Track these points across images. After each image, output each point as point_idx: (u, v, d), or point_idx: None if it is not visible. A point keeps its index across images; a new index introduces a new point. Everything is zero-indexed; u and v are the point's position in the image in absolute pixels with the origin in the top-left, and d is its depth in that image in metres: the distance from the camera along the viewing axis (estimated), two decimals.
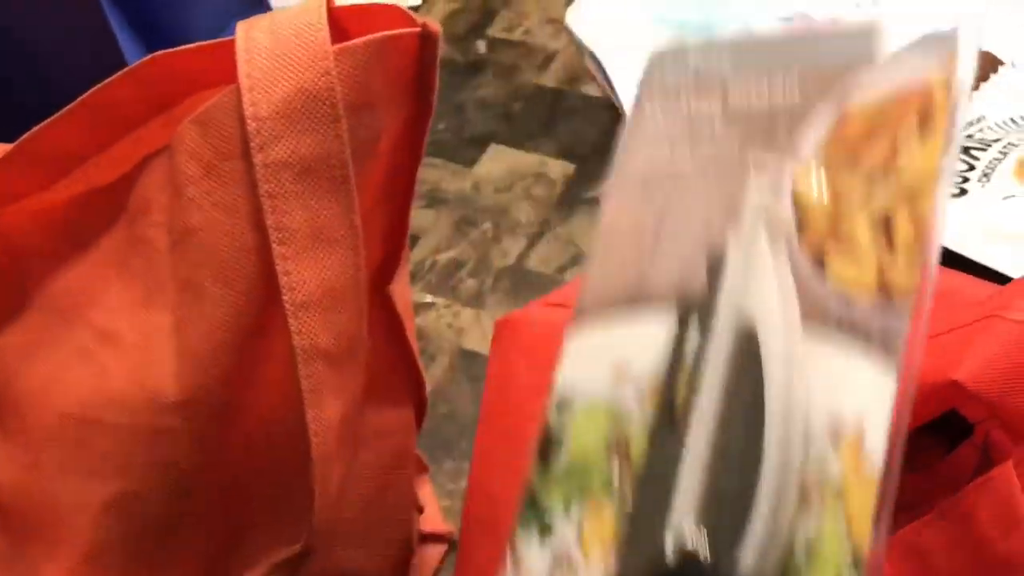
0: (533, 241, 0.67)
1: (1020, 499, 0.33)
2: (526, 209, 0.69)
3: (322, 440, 0.32)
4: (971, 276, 0.47)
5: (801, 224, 0.26)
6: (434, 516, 0.55)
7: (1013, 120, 0.63)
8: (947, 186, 0.26)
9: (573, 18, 0.70)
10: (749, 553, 0.23)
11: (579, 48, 0.70)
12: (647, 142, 0.30)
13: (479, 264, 0.67)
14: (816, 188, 0.27)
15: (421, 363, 0.45)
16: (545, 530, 0.26)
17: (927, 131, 0.26)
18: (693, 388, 0.25)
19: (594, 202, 0.69)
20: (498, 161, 0.72)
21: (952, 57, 0.27)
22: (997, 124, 0.63)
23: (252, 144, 0.30)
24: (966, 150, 0.61)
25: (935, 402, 0.37)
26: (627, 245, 0.29)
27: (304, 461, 0.34)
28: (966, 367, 0.35)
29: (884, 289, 0.25)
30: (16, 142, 0.33)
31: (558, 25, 0.80)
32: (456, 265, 0.67)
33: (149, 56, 0.33)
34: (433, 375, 0.61)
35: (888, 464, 0.24)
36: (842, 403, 0.24)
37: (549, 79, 0.77)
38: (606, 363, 0.27)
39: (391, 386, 0.42)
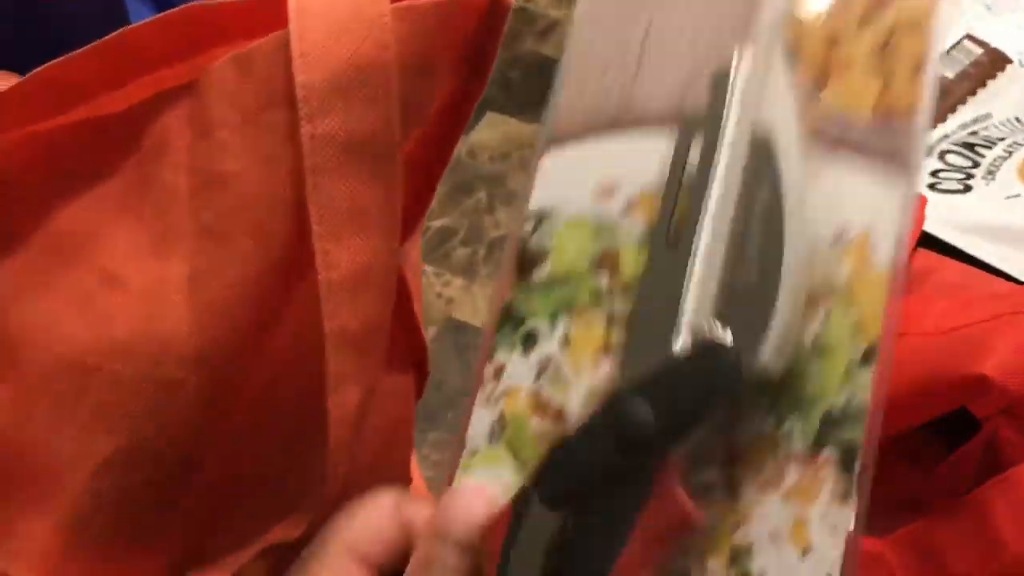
0: None
1: None
2: (522, 179, 0.68)
3: (339, 429, 0.31)
4: (980, 271, 0.47)
5: (799, 48, 0.27)
6: (418, 488, 0.54)
7: (1019, 119, 0.63)
8: (943, 20, 0.27)
9: None
10: (769, 348, 0.24)
11: None
12: None
13: (472, 233, 0.66)
14: (814, 13, 0.27)
15: (424, 329, 0.44)
16: (528, 340, 0.27)
17: None
18: (697, 202, 0.26)
19: None
20: (494, 129, 0.70)
21: None
22: (1002, 123, 0.63)
23: (301, 114, 0.29)
24: (971, 147, 0.61)
25: (952, 396, 0.37)
26: (607, 65, 0.29)
27: (310, 439, 0.33)
28: (993, 361, 0.35)
29: (883, 111, 0.26)
30: (28, 74, 0.31)
31: None
32: (448, 233, 0.66)
33: (184, 5, 0.31)
34: None
35: (897, 265, 0.25)
36: (847, 213, 0.25)
37: (550, 48, 0.75)
38: (589, 181, 0.28)
39: (393, 352, 0.41)
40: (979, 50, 0.66)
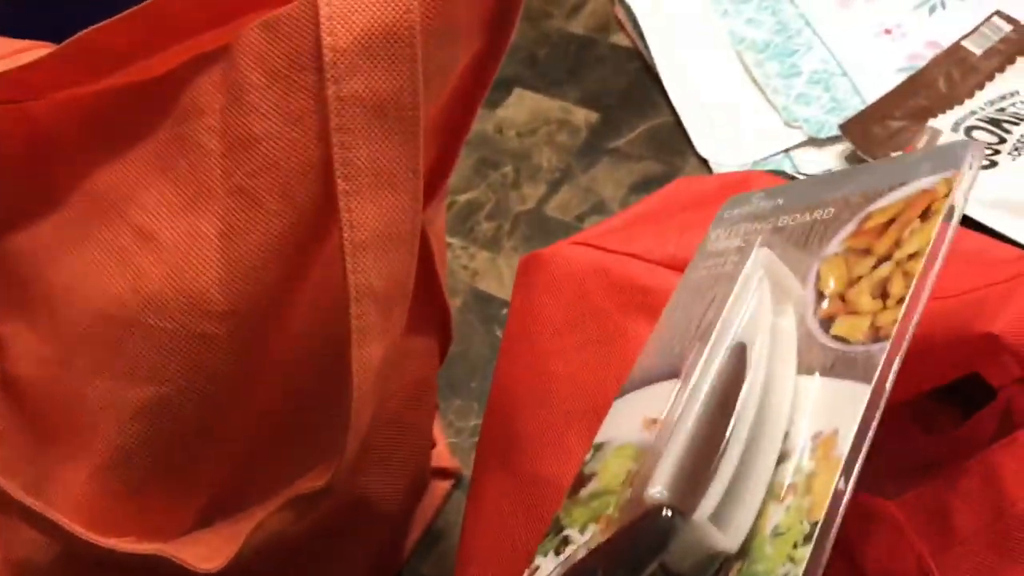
0: (553, 187, 0.67)
1: None
2: (548, 155, 0.69)
3: (362, 382, 0.32)
4: (996, 240, 0.47)
5: (819, 300, 0.32)
6: (442, 452, 0.56)
7: None
8: (941, 254, 0.31)
9: None
10: (704, 513, 0.27)
11: None
12: (707, 257, 0.36)
13: (497, 207, 0.67)
14: (833, 274, 0.32)
15: (448, 295, 0.45)
16: (562, 544, 0.31)
17: (927, 217, 0.31)
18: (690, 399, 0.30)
19: (617, 152, 0.68)
20: (522, 105, 0.71)
21: (957, 175, 0.31)
22: None
23: (327, 75, 0.30)
24: (998, 123, 0.61)
25: (962, 358, 0.37)
26: (673, 336, 0.34)
27: (334, 393, 0.34)
28: (1003, 321, 0.35)
29: (873, 332, 0.30)
30: (68, 40, 0.32)
31: None
32: (474, 207, 0.67)
33: None
34: None
35: (852, 453, 0.28)
36: (824, 421, 0.29)
37: (578, 26, 0.76)
38: (638, 416, 0.33)
39: (417, 314, 0.42)
40: (1008, 27, 0.66)
